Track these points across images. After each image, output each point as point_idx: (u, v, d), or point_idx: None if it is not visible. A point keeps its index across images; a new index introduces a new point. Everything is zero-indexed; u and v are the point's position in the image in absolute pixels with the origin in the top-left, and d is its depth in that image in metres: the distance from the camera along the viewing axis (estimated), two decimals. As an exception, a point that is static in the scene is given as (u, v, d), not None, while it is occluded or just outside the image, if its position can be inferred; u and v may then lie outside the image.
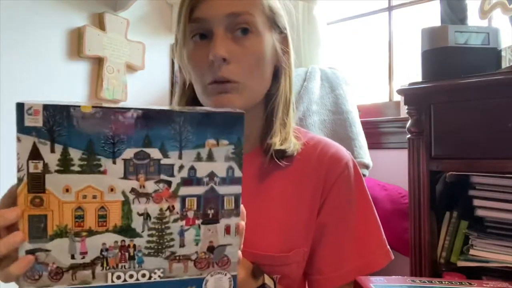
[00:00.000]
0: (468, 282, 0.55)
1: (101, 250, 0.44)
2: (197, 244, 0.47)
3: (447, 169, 1.16)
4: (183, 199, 0.46)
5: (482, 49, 1.17)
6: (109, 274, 0.45)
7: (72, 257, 0.44)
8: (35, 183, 0.42)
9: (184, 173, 0.46)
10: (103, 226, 0.44)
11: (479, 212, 1.11)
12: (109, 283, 0.45)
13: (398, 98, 1.73)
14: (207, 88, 0.62)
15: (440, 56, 1.18)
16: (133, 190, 0.44)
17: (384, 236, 0.70)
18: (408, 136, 1.20)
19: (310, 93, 1.50)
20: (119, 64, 1.86)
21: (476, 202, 1.11)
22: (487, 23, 1.43)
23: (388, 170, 1.62)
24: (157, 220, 0.45)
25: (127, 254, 0.45)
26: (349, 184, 0.67)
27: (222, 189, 0.47)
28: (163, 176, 0.45)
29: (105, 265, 0.44)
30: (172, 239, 0.46)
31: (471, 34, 1.17)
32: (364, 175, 1.36)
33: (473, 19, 1.24)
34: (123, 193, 0.44)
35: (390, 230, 1.40)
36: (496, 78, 1.06)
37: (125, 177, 0.44)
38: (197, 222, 0.47)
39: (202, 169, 0.46)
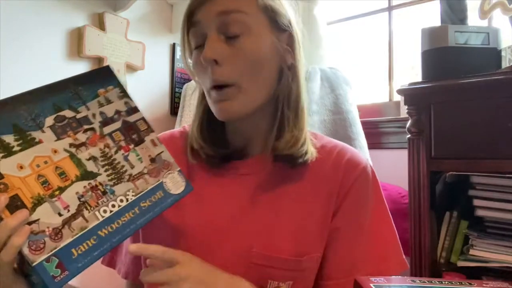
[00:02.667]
0: (468, 282, 0.55)
1: (79, 198, 0.51)
2: (142, 162, 0.58)
3: (447, 169, 1.16)
4: (111, 135, 0.57)
5: (482, 49, 1.17)
6: (97, 213, 0.52)
7: (60, 214, 0.49)
8: None
9: (99, 118, 0.56)
10: (67, 180, 0.51)
11: (479, 212, 1.11)
12: (101, 219, 0.52)
13: (398, 98, 1.73)
14: (210, 93, 0.62)
15: (440, 56, 1.18)
16: (71, 144, 0.53)
17: (400, 245, 0.67)
18: (408, 136, 1.20)
19: (310, 93, 1.50)
20: (119, 64, 1.86)
21: (476, 202, 1.11)
22: (487, 23, 1.43)
23: (388, 170, 1.61)
24: (103, 158, 0.55)
25: (99, 191, 0.53)
26: (365, 189, 0.66)
27: (131, 118, 0.59)
28: (85, 126, 0.55)
29: (89, 207, 0.52)
30: (123, 166, 0.56)
31: (471, 34, 1.17)
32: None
33: (473, 19, 1.24)
34: (65, 150, 0.53)
35: (390, 230, 1.40)
36: (496, 78, 1.06)
37: (58, 138, 0.52)
38: (131, 146, 0.58)
39: (109, 110, 0.58)
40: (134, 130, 0.59)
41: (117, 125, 0.58)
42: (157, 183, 0.58)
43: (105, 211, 0.52)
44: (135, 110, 0.60)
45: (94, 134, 0.55)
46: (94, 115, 0.56)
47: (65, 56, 1.71)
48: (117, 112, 0.58)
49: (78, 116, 0.55)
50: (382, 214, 0.68)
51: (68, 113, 0.54)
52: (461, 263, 1.12)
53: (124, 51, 1.87)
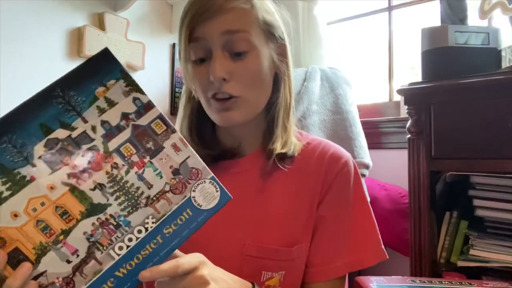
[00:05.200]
0: (468, 282, 0.55)
1: (88, 239, 0.44)
2: (161, 177, 0.47)
3: (447, 169, 1.16)
4: (118, 150, 0.46)
5: (482, 49, 1.17)
6: (111, 252, 0.45)
7: (68, 261, 0.44)
8: None
9: (101, 131, 0.45)
10: (71, 220, 0.44)
11: (479, 212, 1.11)
12: (117, 258, 0.45)
13: (398, 98, 1.73)
14: (210, 101, 0.65)
15: (440, 56, 1.18)
16: (70, 175, 0.44)
17: (379, 236, 0.71)
18: (408, 136, 1.20)
19: (310, 93, 1.50)
20: (119, 64, 1.86)
21: (476, 202, 1.11)
22: (487, 23, 1.43)
23: (388, 170, 1.62)
24: (112, 183, 0.45)
25: (111, 226, 0.45)
26: (347, 181, 0.69)
27: (143, 120, 0.46)
28: (84, 146, 0.45)
29: (101, 247, 0.45)
30: (138, 188, 0.46)
31: (471, 34, 1.17)
32: (364, 175, 1.36)
33: (473, 19, 1.24)
34: (63, 183, 0.44)
35: (390, 230, 1.40)
36: (496, 78, 1.06)
37: (53, 170, 0.44)
38: (146, 160, 0.46)
39: (113, 116, 0.45)
40: (148, 137, 0.46)
41: (126, 134, 0.46)
42: (184, 200, 0.47)
43: (120, 248, 0.45)
44: (148, 107, 0.46)
45: (97, 153, 0.45)
46: (94, 128, 0.45)
47: (65, 56, 1.71)
48: (124, 116, 0.46)
49: (74, 134, 0.44)
50: (363, 206, 0.71)
51: (60, 133, 0.44)
52: (461, 263, 1.12)
53: (124, 51, 1.87)
